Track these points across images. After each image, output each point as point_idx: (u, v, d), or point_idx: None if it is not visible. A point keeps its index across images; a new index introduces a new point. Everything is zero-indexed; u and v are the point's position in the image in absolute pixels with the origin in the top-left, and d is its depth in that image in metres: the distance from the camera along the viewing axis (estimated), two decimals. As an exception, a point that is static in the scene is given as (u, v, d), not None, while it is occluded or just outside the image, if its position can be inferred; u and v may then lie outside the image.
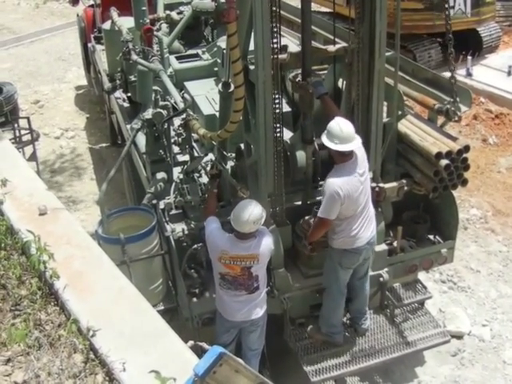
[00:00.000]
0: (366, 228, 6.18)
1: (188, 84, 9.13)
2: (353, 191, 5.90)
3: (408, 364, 7.46)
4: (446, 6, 6.70)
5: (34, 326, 4.05)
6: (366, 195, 6.10)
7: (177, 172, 7.25)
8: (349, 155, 5.93)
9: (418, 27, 14.39)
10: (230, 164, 7.31)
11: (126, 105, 9.65)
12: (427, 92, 7.13)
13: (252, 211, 5.70)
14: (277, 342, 6.77)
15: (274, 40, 5.80)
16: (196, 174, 7.13)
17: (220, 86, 6.84)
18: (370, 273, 6.65)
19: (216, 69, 9.33)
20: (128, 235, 6.43)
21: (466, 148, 6.56)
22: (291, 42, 8.05)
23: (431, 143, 6.57)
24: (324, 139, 5.95)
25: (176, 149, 7.47)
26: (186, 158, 7.32)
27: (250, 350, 6.32)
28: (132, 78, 9.04)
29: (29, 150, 11.31)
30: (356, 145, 5.90)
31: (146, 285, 6.49)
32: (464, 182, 6.75)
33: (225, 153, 7.11)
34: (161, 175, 7.22)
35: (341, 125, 5.86)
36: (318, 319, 6.75)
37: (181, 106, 7.11)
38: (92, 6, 13.67)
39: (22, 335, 3.88)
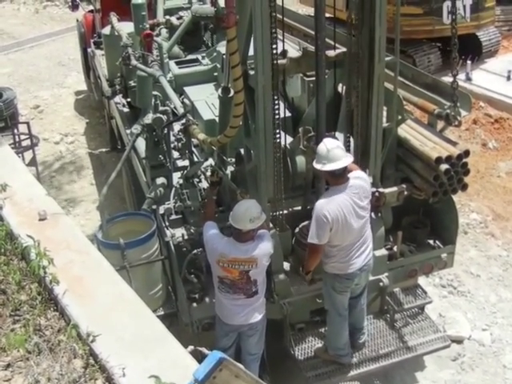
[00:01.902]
0: (361, 254, 6.09)
1: (188, 89, 9.14)
2: (343, 215, 5.78)
3: (408, 369, 7.45)
4: (453, 10, 6.72)
5: (34, 331, 4.05)
6: (361, 221, 5.95)
7: (177, 177, 7.25)
8: (341, 177, 5.83)
9: (417, 32, 14.40)
10: (230, 169, 7.32)
11: (126, 110, 9.66)
12: (427, 97, 7.14)
13: (249, 208, 5.73)
14: (277, 347, 6.76)
15: (274, 45, 5.80)
16: (196, 179, 7.13)
17: (220, 91, 6.85)
18: (370, 278, 6.63)
19: (216, 74, 9.34)
20: (128, 240, 6.43)
21: (466, 153, 6.56)
22: (291, 47, 8.07)
23: (431, 148, 6.57)
24: (314, 164, 5.89)
25: (176, 154, 7.47)
26: (186, 163, 7.32)
27: (250, 355, 6.31)
28: (132, 83, 9.05)
29: (28, 155, 11.32)
30: (345, 163, 5.77)
31: (145, 290, 6.49)
32: (464, 187, 6.75)
33: (225, 158, 7.12)
34: (160, 180, 7.22)
35: (327, 144, 5.77)
36: (325, 339, 6.74)
37: (180, 111, 7.12)
38: (92, 11, 13.71)
39: (21, 340, 3.87)
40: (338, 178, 5.83)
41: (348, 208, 5.81)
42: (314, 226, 5.82)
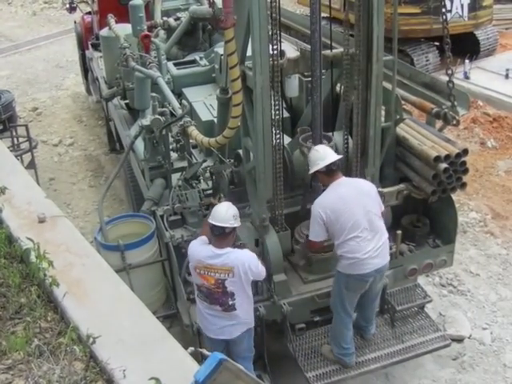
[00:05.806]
0: (378, 256, 6.03)
1: (186, 90, 9.14)
2: (341, 212, 5.88)
3: (408, 368, 7.44)
4: (444, 10, 6.69)
5: (34, 333, 4.04)
6: (369, 213, 5.96)
7: (175, 178, 7.25)
8: (335, 174, 6.00)
9: (415, 31, 14.42)
10: (229, 170, 7.32)
11: (125, 112, 9.66)
12: (425, 96, 7.14)
13: (230, 206, 5.75)
14: (277, 347, 6.76)
15: (275, 46, 5.81)
16: (195, 181, 7.14)
17: (218, 91, 6.85)
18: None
19: (214, 75, 9.34)
20: (127, 242, 6.43)
21: (465, 151, 6.56)
22: (289, 48, 8.06)
23: (430, 147, 6.57)
24: (310, 171, 6.07)
25: (174, 155, 7.47)
26: (185, 164, 7.32)
27: (239, 358, 6.08)
28: (130, 84, 9.04)
29: (27, 157, 11.31)
30: (337, 156, 6.01)
31: (145, 291, 6.48)
32: (463, 186, 6.75)
33: (223, 159, 7.12)
34: (159, 181, 7.23)
35: (314, 148, 6.11)
36: (329, 338, 6.71)
37: (179, 112, 7.12)
38: (89, 13, 13.71)
39: (22, 343, 3.86)
40: (333, 174, 5.99)
41: (349, 197, 5.94)
42: (311, 225, 6.06)
